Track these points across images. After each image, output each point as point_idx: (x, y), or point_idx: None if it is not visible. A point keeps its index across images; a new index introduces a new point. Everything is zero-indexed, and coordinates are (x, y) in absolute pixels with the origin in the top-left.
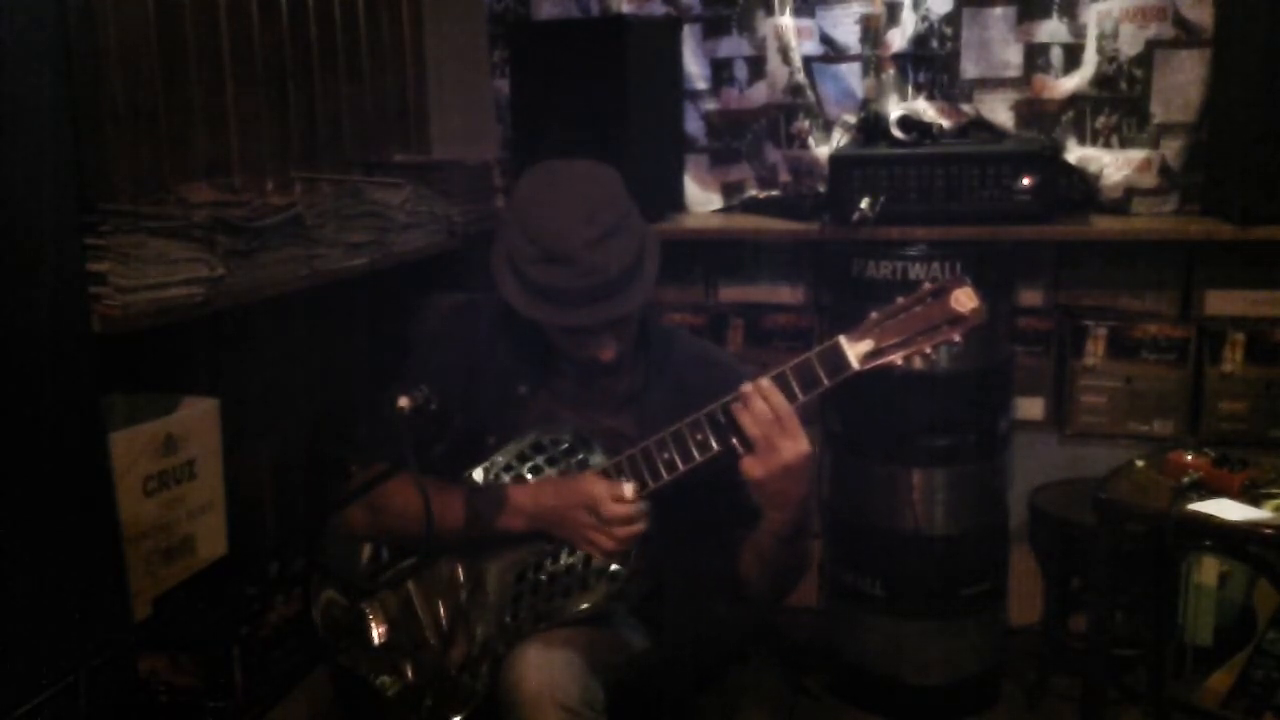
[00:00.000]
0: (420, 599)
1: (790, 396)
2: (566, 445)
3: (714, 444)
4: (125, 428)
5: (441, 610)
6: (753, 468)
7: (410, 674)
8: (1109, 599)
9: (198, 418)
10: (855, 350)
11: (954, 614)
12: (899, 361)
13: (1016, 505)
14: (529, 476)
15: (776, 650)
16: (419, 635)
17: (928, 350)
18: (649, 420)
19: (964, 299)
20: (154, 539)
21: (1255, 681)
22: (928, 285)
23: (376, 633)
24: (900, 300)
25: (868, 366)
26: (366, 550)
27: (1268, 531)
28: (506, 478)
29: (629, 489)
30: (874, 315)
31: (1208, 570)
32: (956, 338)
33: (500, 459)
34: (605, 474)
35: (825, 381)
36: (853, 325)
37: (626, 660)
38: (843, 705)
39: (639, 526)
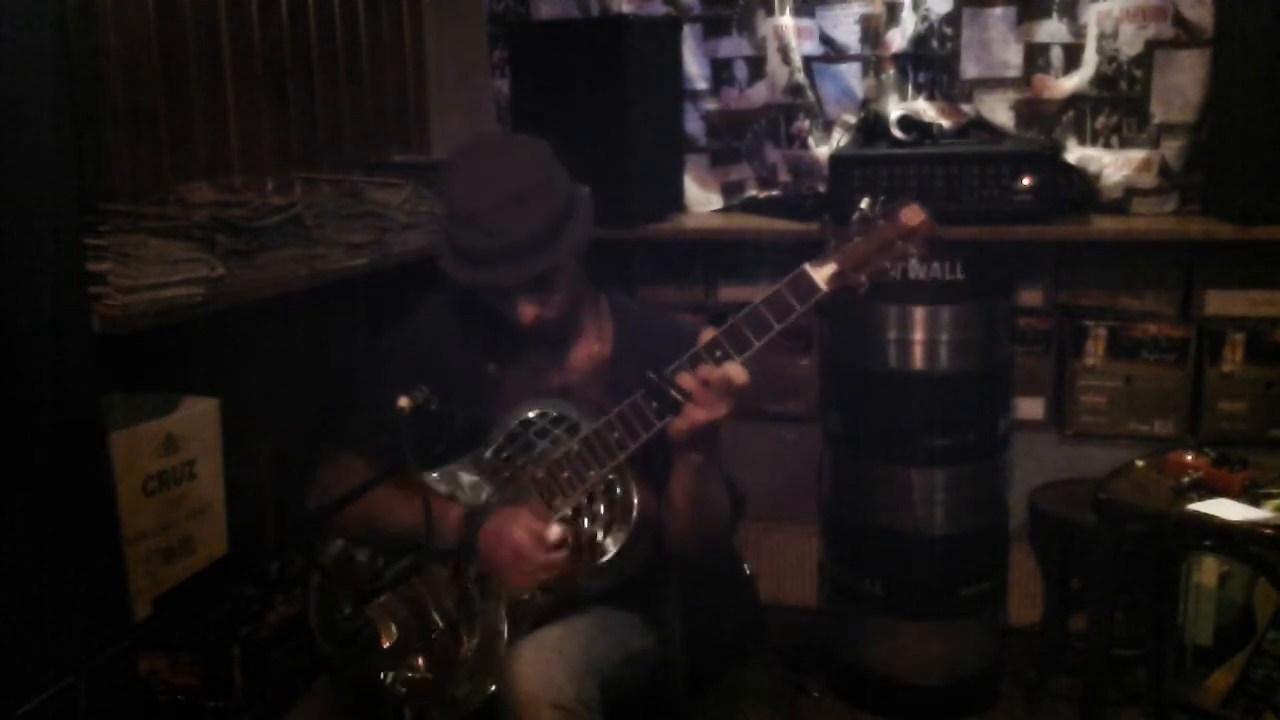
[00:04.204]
0: (427, 593)
1: (765, 327)
2: (555, 415)
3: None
4: (125, 428)
5: (449, 601)
6: (682, 423)
7: (423, 667)
8: (1109, 599)
9: (198, 418)
10: (821, 274)
11: (954, 614)
12: (864, 280)
13: (1016, 505)
14: (523, 454)
15: (776, 650)
16: (429, 629)
17: (888, 266)
18: (620, 386)
19: (912, 215)
20: (154, 539)
21: (1255, 681)
22: (878, 208)
23: (385, 637)
24: (852, 224)
25: (835, 287)
26: (365, 551)
27: (1268, 531)
28: (501, 459)
29: (554, 532)
30: (831, 242)
31: (1208, 570)
32: (913, 250)
33: (497, 437)
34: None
35: (797, 307)
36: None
37: (623, 659)
38: (842, 705)
39: (554, 566)
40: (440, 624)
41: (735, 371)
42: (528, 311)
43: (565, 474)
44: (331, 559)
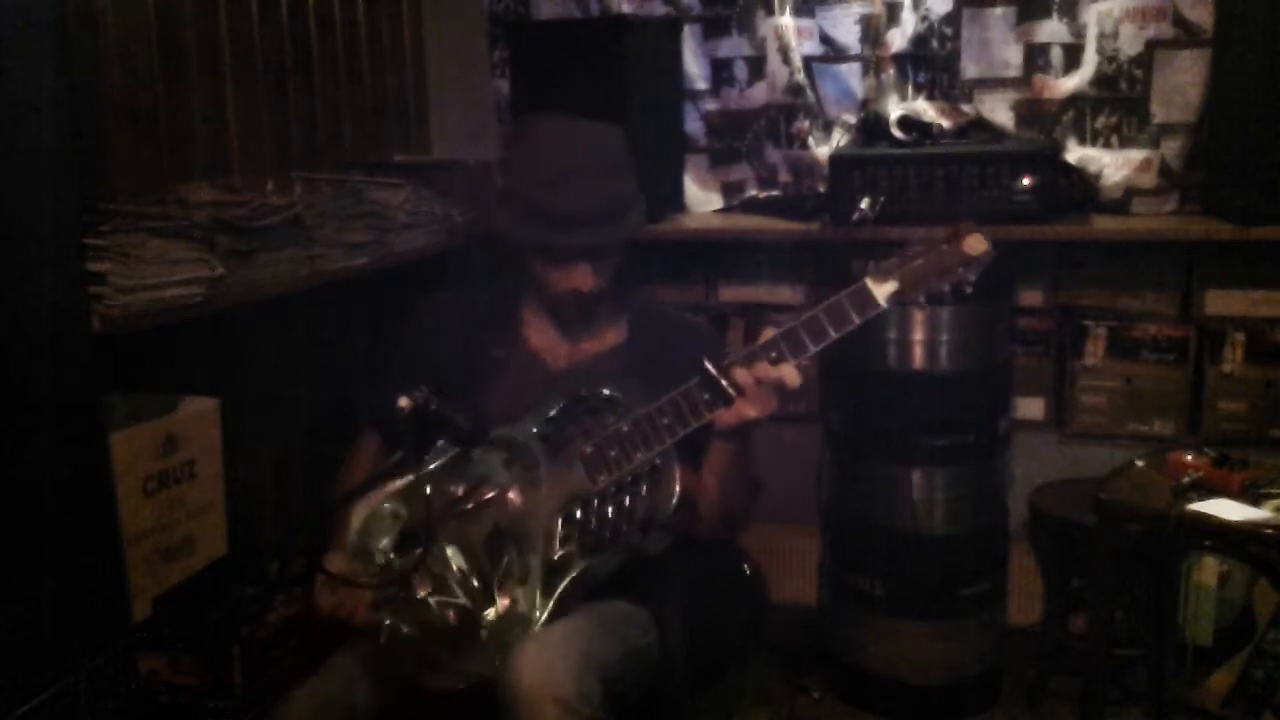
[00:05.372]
0: (462, 551)
1: (822, 334)
2: (606, 394)
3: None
4: (125, 428)
5: (488, 562)
6: (729, 415)
7: (452, 620)
8: (1109, 599)
9: (198, 418)
10: (881, 290)
11: (954, 614)
12: (921, 300)
13: (1016, 505)
14: (572, 427)
15: (776, 650)
16: (464, 581)
17: (945, 289)
18: (634, 369)
19: (975, 243)
20: (154, 539)
21: (1255, 681)
22: (940, 233)
23: (421, 590)
24: (917, 247)
25: (893, 304)
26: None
27: (1268, 531)
28: (551, 430)
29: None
30: (894, 260)
31: (1208, 570)
32: (971, 277)
33: (548, 410)
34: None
35: (855, 319)
36: (875, 269)
37: (624, 655)
38: (843, 705)
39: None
40: (475, 582)
41: (789, 373)
42: (588, 278)
43: (613, 452)
44: (361, 525)
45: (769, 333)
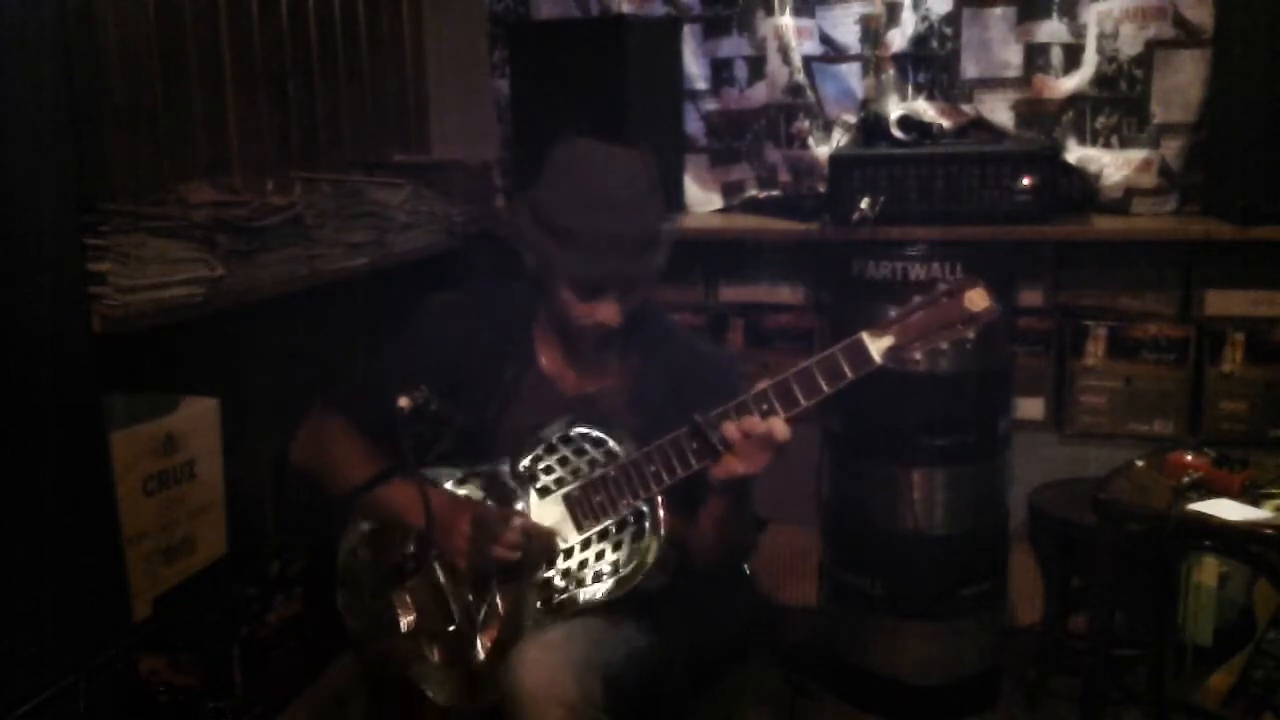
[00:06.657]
0: (451, 585)
1: (816, 389)
2: (595, 435)
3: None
4: (125, 428)
5: (471, 596)
6: (720, 470)
7: (438, 658)
8: (1109, 599)
9: (198, 418)
10: (877, 346)
11: (954, 614)
12: (918, 357)
13: (1016, 505)
14: (558, 469)
15: (776, 650)
16: (449, 619)
17: (944, 346)
18: (641, 402)
19: (977, 299)
20: (154, 539)
21: (1255, 681)
22: (942, 287)
23: (405, 621)
24: (916, 300)
25: (889, 361)
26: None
27: (1268, 531)
28: (537, 469)
29: (518, 520)
30: (893, 314)
31: (1208, 570)
32: (971, 334)
33: (534, 447)
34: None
35: (849, 374)
36: (872, 323)
37: (625, 657)
38: (843, 705)
39: (513, 547)
40: (458, 618)
41: (779, 427)
42: (615, 313)
43: (599, 498)
44: (353, 545)
45: (762, 384)
